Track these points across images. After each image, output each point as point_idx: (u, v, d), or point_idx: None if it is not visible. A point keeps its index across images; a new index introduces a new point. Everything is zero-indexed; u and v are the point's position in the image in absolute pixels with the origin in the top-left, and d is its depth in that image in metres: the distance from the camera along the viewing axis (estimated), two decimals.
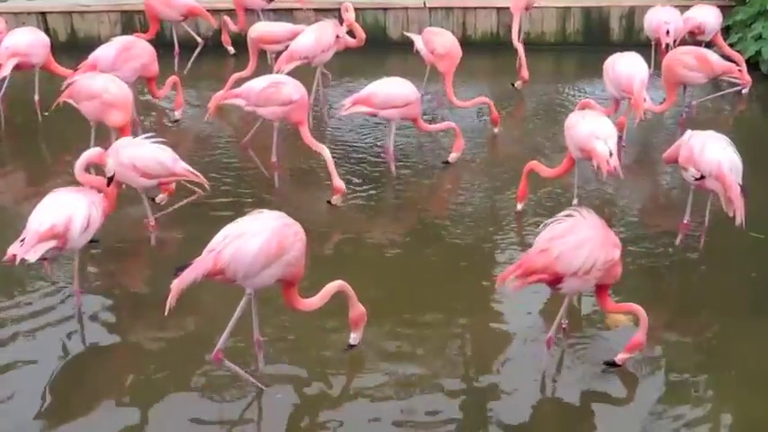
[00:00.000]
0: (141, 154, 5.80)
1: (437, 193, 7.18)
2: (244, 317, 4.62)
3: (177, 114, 8.08)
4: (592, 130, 6.11)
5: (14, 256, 4.94)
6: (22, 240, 4.98)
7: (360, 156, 7.63)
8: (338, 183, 6.51)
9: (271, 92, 6.72)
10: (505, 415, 4.65)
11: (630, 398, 4.79)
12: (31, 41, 7.90)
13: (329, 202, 6.52)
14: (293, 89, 6.77)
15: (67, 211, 5.08)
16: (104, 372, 4.92)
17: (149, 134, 6.03)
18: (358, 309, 4.65)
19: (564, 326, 5.01)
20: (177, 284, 4.32)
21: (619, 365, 4.84)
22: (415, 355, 5.06)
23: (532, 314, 5.40)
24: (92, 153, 5.47)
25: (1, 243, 5.18)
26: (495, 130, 8.11)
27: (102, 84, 6.70)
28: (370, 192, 7.01)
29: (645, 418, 4.64)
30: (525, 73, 8.98)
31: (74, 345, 5.17)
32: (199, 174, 5.98)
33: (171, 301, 4.31)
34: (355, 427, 4.56)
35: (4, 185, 7.19)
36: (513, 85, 9.07)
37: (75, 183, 5.49)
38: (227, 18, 9.65)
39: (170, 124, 8.24)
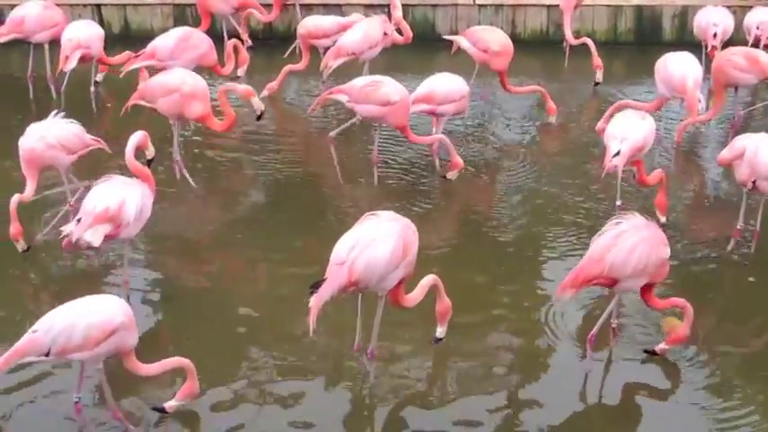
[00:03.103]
0: (63, 132, 5.96)
1: (483, 190, 7.16)
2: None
3: (240, 72, 8.09)
4: (613, 129, 6.19)
5: (69, 240, 5.05)
6: (78, 221, 5.09)
7: (405, 153, 7.64)
8: (458, 160, 6.70)
9: (369, 90, 6.67)
10: (548, 413, 4.66)
11: (675, 400, 4.77)
12: (91, 34, 8.07)
13: (444, 176, 6.71)
14: (392, 90, 6.66)
15: (121, 195, 5.19)
16: (151, 359, 5.00)
17: (56, 111, 6.12)
18: (445, 302, 4.67)
19: (614, 326, 5.00)
20: (316, 302, 4.30)
21: (657, 354, 4.84)
22: (458, 353, 5.07)
23: (577, 312, 5.38)
24: (138, 137, 5.57)
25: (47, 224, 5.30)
26: (552, 119, 8.15)
27: (179, 77, 6.72)
28: (416, 188, 7.01)
29: (689, 420, 4.62)
30: (598, 60, 8.77)
31: None
32: (101, 141, 6.16)
33: (312, 320, 4.29)
34: (396, 422, 4.60)
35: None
36: (596, 84, 8.90)
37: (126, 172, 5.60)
38: (252, 11, 9.62)
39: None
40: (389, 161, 7.40)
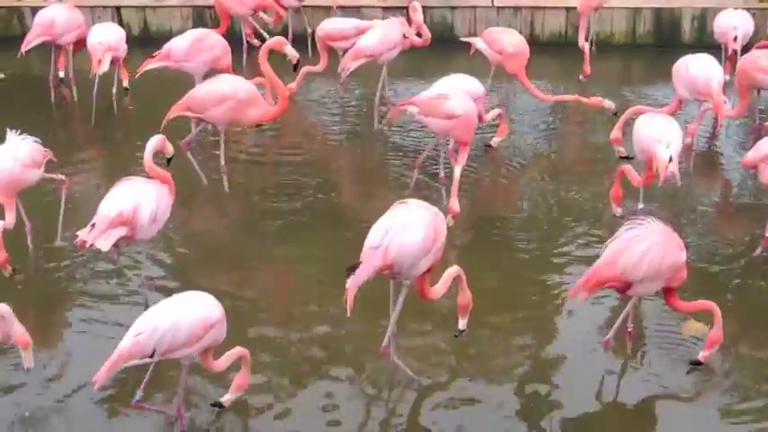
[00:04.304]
0: (29, 148, 5.78)
1: (499, 195, 7.15)
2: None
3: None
4: (654, 133, 6.07)
5: (85, 241, 5.08)
6: (92, 225, 5.12)
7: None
8: (454, 204, 6.25)
9: (435, 103, 6.54)
10: (564, 416, 4.66)
11: (696, 406, 4.75)
12: (119, 37, 8.12)
13: None
14: (455, 105, 6.49)
15: (136, 198, 5.20)
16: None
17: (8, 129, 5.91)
18: (467, 294, 4.70)
19: (630, 330, 4.99)
20: (352, 284, 4.39)
21: (702, 363, 4.84)
22: (474, 357, 5.08)
23: (595, 317, 5.37)
24: (156, 141, 5.54)
25: (75, 229, 5.32)
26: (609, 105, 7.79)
27: (230, 85, 6.69)
28: (433, 191, 6.99)
29: (710, 426, 4.61)
30: (587, 68, 8.91)
31: None
32: (50, 151, 5.97)
33: (349, 301, 4.36)
34: (416, 424, 4.63)
35: (80, 175, 7.37)
36: (579, 78, 9.01)
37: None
38: (261, 14, 9.62)
39: None
40: (407, 164, 7.40)
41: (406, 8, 8.72)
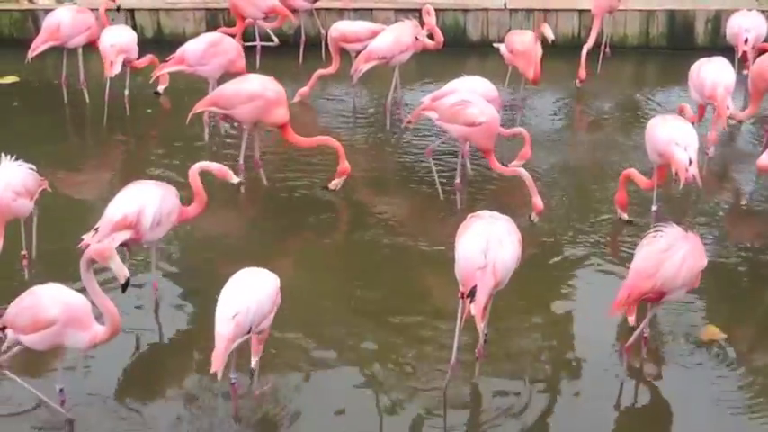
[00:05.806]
0: (25, 175, 5.45)
1: (515, 196, 7.13)
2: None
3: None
4: (672, 135, 6.01)
5: (88, 245, 5.08)
6: (96, 229, 5.13)
7: (438, 157, 7.63)
8: (538, 201, 6.19)
9: (457, 109, 6.50)
10: (581, 421, 4.67)
11: (708, 412, 4.72)
12: (130, 39, 8.15)
13: (530, 218, 6.20)
14: (478, 112, 6.44)
15: (140, 202, 5.21)
16: (178, 362, 5.06)
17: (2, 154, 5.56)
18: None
19: (645, 335, 4.97)
20: (478, 309, 4.41)
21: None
22: (490, 361, 5.05)
23: (611, 322, 5.34)
24: (218, 168, 5.59)
25: (82, 231, 5.34)
26: None
27: (260, 84, 6.71)
28: (449, 196, 6.99)
29: (723, 429, 4.60)
30: (582, 73, 8.91)
31: (150, 335, 5.35)
32: (45, 180, 5.69)
33: (480, 327, 4.43)
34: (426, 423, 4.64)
35: (90, 177, 7.40)
36: (576, 84, 9.01)
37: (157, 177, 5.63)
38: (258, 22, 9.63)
39: None
40: (419, 166, 7.40)
41: (419, 11, 8.73)
